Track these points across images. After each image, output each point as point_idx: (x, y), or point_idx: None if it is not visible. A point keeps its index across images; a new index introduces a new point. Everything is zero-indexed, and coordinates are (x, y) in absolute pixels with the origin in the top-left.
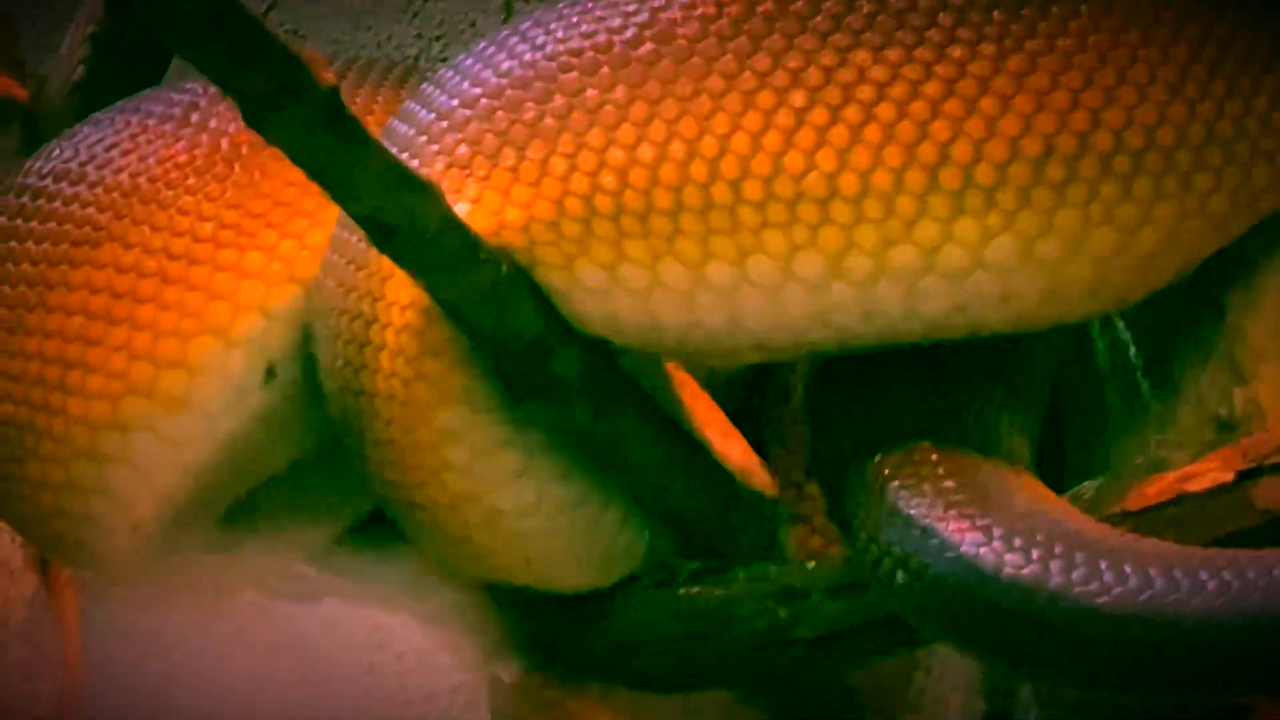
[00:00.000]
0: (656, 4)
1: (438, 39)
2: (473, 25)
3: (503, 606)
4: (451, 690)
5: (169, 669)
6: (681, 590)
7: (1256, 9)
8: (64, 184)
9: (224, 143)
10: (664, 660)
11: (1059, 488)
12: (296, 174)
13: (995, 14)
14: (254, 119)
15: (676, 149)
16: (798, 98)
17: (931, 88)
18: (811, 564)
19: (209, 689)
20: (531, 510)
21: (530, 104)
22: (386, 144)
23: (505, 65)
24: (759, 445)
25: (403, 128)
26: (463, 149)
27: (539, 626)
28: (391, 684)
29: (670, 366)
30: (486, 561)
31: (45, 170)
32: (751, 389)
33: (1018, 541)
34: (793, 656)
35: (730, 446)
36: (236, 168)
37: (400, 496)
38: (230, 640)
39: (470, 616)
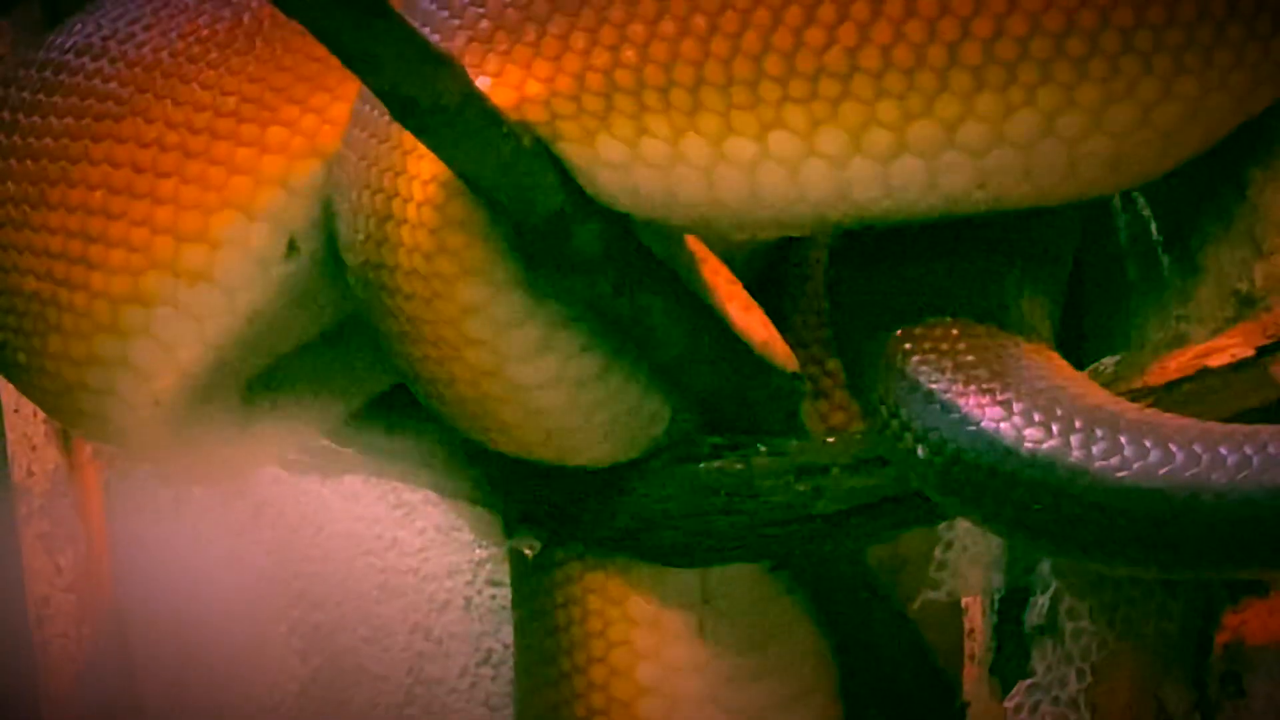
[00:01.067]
0: None
1: None
2: None
3: (524, 480)
4: (474, 564)
5: (190, 543)
6: (702, 465)
7: None
8: (86, 59)
9: (246, 17)
10: (684, 534)
11: (1079, 363)
12: (318, 48)
13: None
14: None
15: (698, 23)
16: None
17: None
18: (831, 439)
19: (230, 563)
20: (552, 384)
21: None
22: (408, 18)
23: None
24: (780, 320)
25: (425, 2)
26: (484, 23)
27: (560, 500)
28: (415, 558)
29: (691, 241)
30: (507, 435)
31: (67, 45)
32: (772, 264)
33: (1038, 416)
34: (812, 531)
35: (751, 321)
36: (258, 42)
37: (421, 371)
38: (251, 515)
39: (492, 490)
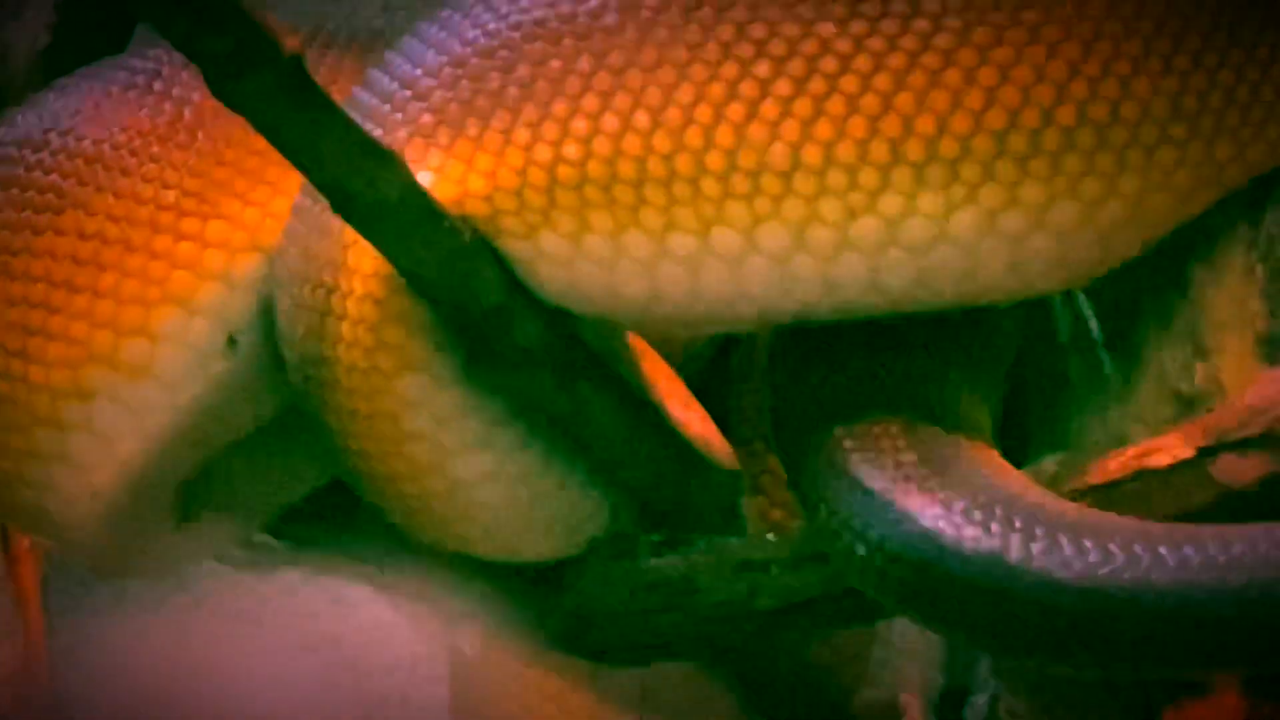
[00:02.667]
0: None
1: (403, 8)
2: None
3: (463, 577)
4: (413, 661)
5: (128, 637)
6: (642, 562)
7: None
8: (27, 151)
9: (187, 111)
10: (623, 632)
11: (1021, 462)
12: (260, 142)
13: None
14: (217, 85)
15: (640, 119)
16: (762, 69)
17: (896, 60)
18: (771, 536)
19: (167, 657)
20: (492, 479)
21: (494, 73)
22: (350, 112)
23: (470, 34)
24: (720, 417)
25: (367, 96)
26: (426, 118)
27: (499, 598)
28: (353, 655)
29: (631, 337)
30: (447, 531)
31: (8, 137)
32: (713, 361)
33: (978, 515)
34: (752, 628)
35: (690, 417)
36: (200, 135)
37: (361, 465)
38: (189, 609)
39: (431, 587)
